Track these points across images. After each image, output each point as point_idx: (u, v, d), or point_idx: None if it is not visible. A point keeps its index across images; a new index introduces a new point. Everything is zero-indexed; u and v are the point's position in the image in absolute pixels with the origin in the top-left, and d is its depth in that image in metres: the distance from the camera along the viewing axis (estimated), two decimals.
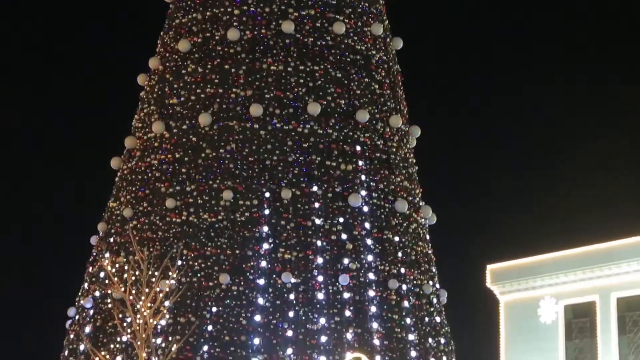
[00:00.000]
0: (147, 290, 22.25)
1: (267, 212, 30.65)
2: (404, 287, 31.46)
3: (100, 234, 33.40)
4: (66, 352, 32.18)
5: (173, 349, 22.46)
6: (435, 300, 32.98)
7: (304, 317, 29.33)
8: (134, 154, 33.53)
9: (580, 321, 71.38)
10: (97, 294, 31.45)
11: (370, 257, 31.00)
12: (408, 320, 31.02)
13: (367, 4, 34.79)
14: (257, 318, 29.16)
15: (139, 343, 21.40)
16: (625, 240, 68.66)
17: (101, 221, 33.73)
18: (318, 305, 29.57)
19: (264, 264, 29.92)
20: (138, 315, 22.19)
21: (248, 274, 29.81)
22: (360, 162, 32.34)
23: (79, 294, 33.16)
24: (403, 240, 32.34)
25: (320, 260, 30.21)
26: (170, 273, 22.94)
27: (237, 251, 30.15)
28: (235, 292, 29.58)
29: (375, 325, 30.11)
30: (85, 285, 32.95)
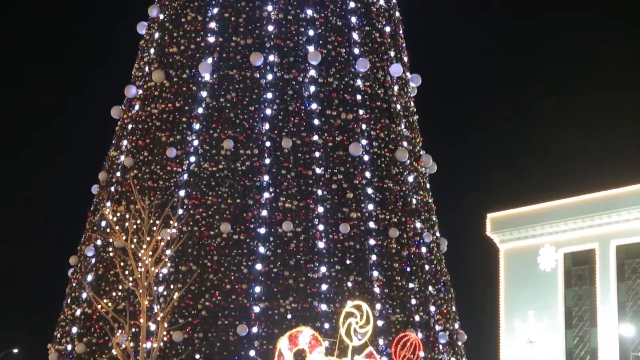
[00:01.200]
0: (148, 238, 22.28)
1: (267, 161, 30.63)
2: (405, 235, 31.56)
3: (101, 183, 33.42)
4: (68, 300, 32.37)
5: (175, 296, 22.54)
6: (435, 249, 33.10)
7: (304, 266, 29.45)
8: (134, 102, 33.43)
9: (579, 269, 72.03)
10: (98, 242, 31.57)
11: (370, 206, 31.06)
12: (408, 269, 31.17)
13: None
14: (258, 266, 29.28)
15: (140, 291, 21.49)
16: (625, 189, 68.97)
17: (102, 170, 33.73)
18: (319, 254, 29.68)
19: (264, 213, 29.97)
20: (140, 264, 22.24)
21: (249, 222, 29.87)
22: (361, 111, 32.28)
23: (81, 242, 33.29)
24: (403, 189, 32.39)
25: (320, 209, 30.27)
26: (171, 222, 22.95)
27: (238, 200, 30.19)
28: (236, 241, 29.67)
29: (375, 273, 30.27)
30: (87, 233, 33.08)
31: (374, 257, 30.45)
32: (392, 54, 34.16)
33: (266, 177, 30.41)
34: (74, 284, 32.39)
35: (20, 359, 65.06)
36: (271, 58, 31.72)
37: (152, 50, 33.67)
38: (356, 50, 32.78)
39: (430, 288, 31.84)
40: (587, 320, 70.60)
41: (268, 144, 30.80)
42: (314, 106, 31.50)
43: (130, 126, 33.10)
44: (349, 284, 29.50)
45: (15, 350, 65.86)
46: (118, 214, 28.08)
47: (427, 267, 32.11)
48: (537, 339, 71.41)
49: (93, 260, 31.81)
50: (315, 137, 31.15)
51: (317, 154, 30.96)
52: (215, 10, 32.60)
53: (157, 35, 33.79)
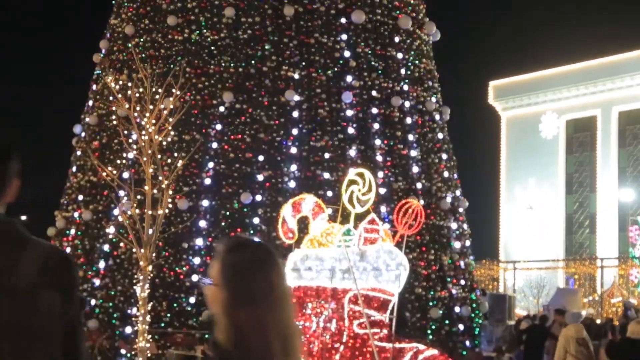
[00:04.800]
0: (151, 107, 22.23)
1: (269, 29, 30.36)
2: (407, 104, 31.57)
3: (103, 52, 33.26)
4: (74, 168, 32.70)
5: (178, 165, 22.67)
6: (437, 117, 33.14)
7: (307, 135, 29.58)
8: None
9: (581, 135, 72.47)
10: (101, 111, 31.65)
11: (373, 75, 30.96)
12: (410, 137, 31.30)
13: None
14: (261, 135, 29.42)
15: (144, 159, 21.58)
16: (628, 54, 68.61)
17: (103, 39, 33.51)
18: (321, 123, 29.77)
19: (267, 82, 29.91)
20: (143, 132, 22.26)
21: (251, 92, 29.86)
22: None
23: (84, 111, 33.38)
24: (406, 57, 32.21)
25: (323, 77, 30.17)
26: (173, 90, 22.87)
27: (240, 69, 30.09)
28: (239, 110, 29.72)
29: (378, 142, 30.40)
30: (90, 102, 33.13)
31: (376, 126, 30.55)
32: None
33: (268, 46, 30.22)
34: (78, 153, 32.64)
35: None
36: None
37: None
38: None
39: (432, 156, 32.04)
40: (587, 186, 71.51)
41: (270, 11, 30.45)
42: None
43: None
44: (352, 152, 29.69)
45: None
46: (120, 83, 27.94)
47: (429, 135, 32.24)
48: (537, 205, 72.40)
49: (97, 129, 32.00)
50: (317, 4, 30.76)
51: (319, 22, 30.66)
52: None
53: None
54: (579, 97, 71.54)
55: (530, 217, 72.71)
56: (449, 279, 30.66)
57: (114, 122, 29.34)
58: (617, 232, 67.54)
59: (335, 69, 30.46)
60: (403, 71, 31.89)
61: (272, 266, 3.45)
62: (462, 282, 31.33)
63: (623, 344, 14.59)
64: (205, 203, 28.90)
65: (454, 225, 31.89)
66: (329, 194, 27.52)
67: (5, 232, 3.22)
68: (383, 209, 28.46)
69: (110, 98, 26.63)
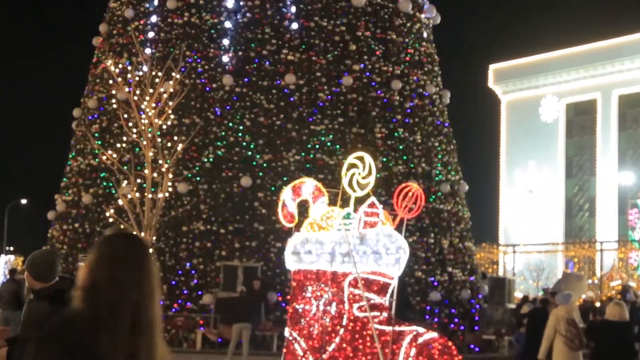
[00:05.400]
0: (151, 90, 22.20)
1: (269, 12, 30.27)
2: (407, 87, 31.52)
3: (102, 35, 33.18)
4: (74, 152, 32.68)
5: (178, 148, 22.67)
6: (438, 101, 33.10)
7: (307, 118, 29.55)
8: None
9: (581, 119, 72.42)
10: (101, 95, 31.60)
11: (373, 58, 30.90)
12: (411, 121, 31.28)
13: None
14: (261, 119, 29.38)
15: (145, 143, 21.58)
16: (628, 37, 68.49)
17: (103, 22, 33.43)
18: (321, 106, 29.73)
19: (267, 65, 29.86)
20: (143, 116, 22.24)
21: (251, 75, 29.80)
22: None
23: (84, 95, 33.33)
24: (406, 40, 32.14)
25: (323, 61, 30.12)
26: (173, 74, 22.84)
27: (240, 53, 30.03)
28: (239, 94, 29.68)
29: (378, 125, 30.38)
30: (90, 86, 33.09)
31: (376, 110, 30.51)
32: None
33: (268, 29, 30.14)
34: (78, 136, 32.62)
35: (28, 210, 66.27)
36: None
37: None
38: None
39: (432, 139, 32.01)
40: (587, 170, 71.51)
41: None
42: None
43: None
44: (352, 136, 29.67)
45: (24, 201, 67.08)
46: (120, 66, 27.91)
47: (429, 119, 32.20)
48: (537, 189, 72.44)
49: (96, 113, 31.97)
50: None
51: (319, 5, 30.57)
52: None
53: None
54: (579, 81, 71.46)
55: (530, 200, 72.76)
56: (449, 263, 30.70)
57: (114, 106, 29.30)
58: (617, 215, 67.58)
59: (335, 53, 30.40)
60: (403, 55, 31.83)
61: (144, 256, 3.61)
62: (462, 265, 31.37)
63: (601, 325, 15.02)
64: (205, 187, 28.90)
65: (454, 209, 31.90)
66: (329, 177, 27.46)
67: None
68: (383, 192, 28.43)
69: (110, 82, 26.59)
